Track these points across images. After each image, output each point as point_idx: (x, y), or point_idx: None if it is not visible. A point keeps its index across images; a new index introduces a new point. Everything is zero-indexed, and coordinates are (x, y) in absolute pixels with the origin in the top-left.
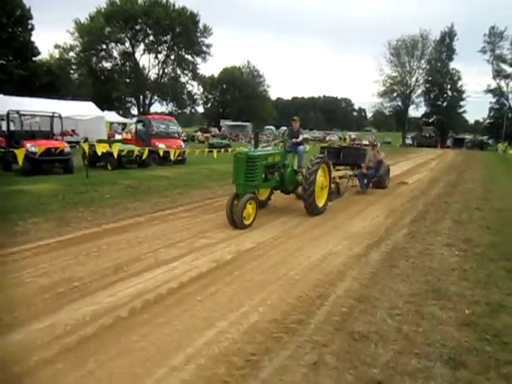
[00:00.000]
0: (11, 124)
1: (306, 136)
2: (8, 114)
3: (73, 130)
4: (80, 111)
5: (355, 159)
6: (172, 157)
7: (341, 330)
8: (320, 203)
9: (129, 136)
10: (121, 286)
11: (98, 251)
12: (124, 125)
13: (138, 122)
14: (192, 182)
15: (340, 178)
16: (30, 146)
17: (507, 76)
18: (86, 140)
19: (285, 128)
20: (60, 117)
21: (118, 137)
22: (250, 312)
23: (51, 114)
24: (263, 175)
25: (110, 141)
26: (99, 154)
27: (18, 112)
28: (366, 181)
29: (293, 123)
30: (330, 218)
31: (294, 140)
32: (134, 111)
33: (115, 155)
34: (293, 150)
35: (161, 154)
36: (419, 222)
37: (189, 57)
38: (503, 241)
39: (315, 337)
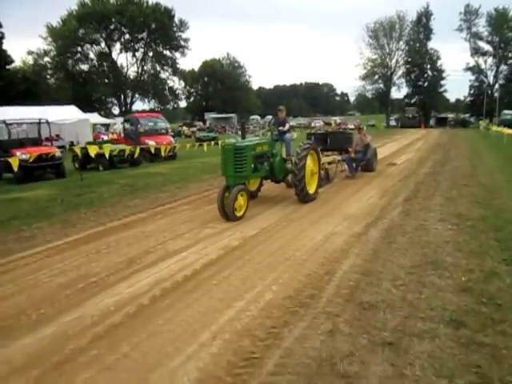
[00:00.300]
0: None
1: (292, 123)
2: None
3: (57, 135)
4: (63, 115)
5: (342, 144)
6: (163, 153)
7: (350, 301)
8: (311, 190)
9: (115, 136)
10: (137, 277)
11: (107, 248)
12: (107, 126)
13: (126, 121)
14: (187, 176)
15: (329, 163)
16: (21, 154)
17: (485, 53)
18: (71, 144)
19: (270, 117)
20: (47, 122)
21: (104, 138)
22: (265, 291)
23: (38, 121)
24: (252, 165)
25: (100, 142)
26: (92, 155)
27: (4, 121)
28: (354, 165)
29: (279, 113)
30: (326, 202)
31: (280, 128)
32: (116, 111)
33: (107, 156)
34: (280, 139)
35: (152, 151)
36: (412, 200)
37: (167, 52)
38: (492, 214)
39: (328, 308)
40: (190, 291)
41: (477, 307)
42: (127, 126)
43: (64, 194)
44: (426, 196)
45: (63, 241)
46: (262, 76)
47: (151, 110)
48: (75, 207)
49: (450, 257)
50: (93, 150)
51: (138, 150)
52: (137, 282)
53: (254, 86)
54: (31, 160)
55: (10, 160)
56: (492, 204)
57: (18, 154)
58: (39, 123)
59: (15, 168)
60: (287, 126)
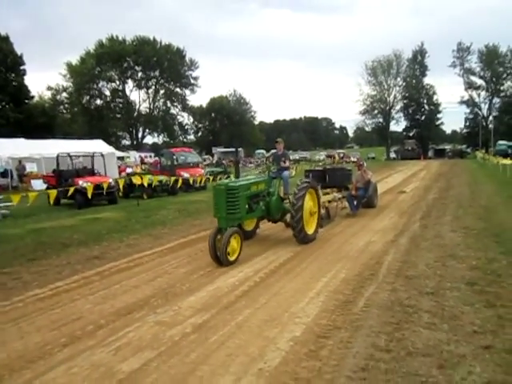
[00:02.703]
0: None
1: (295, 157)
2: (58, 156)
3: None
4: (93, 149)
5: (341, 181)
6: (198, 183)
7: (399, 275)
8: (310, 230)
9: (138, 169)
10: (241, 267)
11: (201, 252)
12: (122, 158)
13: (161, 155)
14: None
15: (329, 202)
16: (82, 183)
17: (478, 87)
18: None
19: (271, 152)
20: (102, 155)
21: (128, 170)
22: (338, 273)
23: (92, 154)
24: (246, 206)
25: (142, 173)
26: (138, 184)
27: (68, 154)
28: (355, 202)
29: (276, 145)
30: (354, 222)
31: (281, 164)
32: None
33: (152, 185)
34: (278, 176)
35: (190, 181)
36: (426, 218)
37: (178, 90)
38: (491, 225)
39: (385, 279)
40: (283, 274)
41: (484, 276)
42: (163, 159)
43: (132, 216)
44: (438, 215)
45: (162, 247)
46: (262, 111)
47: (183, 145)
48: (151, 225)
49: (463, 252)
50: (137, 181)
51: (179, 181)
52: (242, 270)
53: (255, 120)
54: (93, 188)
55: (86, 187)
56: (491, 219)
57: (80, 182)
58: (93, 156)
59: (89, 195)
60: (287, 163)
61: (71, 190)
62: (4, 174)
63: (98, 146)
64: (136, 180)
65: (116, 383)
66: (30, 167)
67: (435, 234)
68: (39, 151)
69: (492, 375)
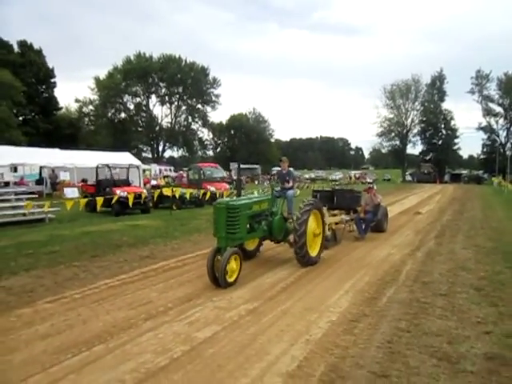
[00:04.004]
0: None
1: (311, 175)
2: (97, 167)
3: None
4: (121, 160)
5: (350, 203)
6: (224, 197)
7: (416, 281)
8: (313, 252)
9: (162, 182)
10: (276, 270)
11: None
12: (143, 170)
13: (190, 169)
14: None
15: (336, 223)
16: (120, 192)
17: (496, 114)
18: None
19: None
20: (138, 168)
21: (153, 182)
22: (362, 277)
23: (128, 166)
24: (247, 226)
25: (171, 185)
26: (168, 196)
27: (107, 165)
28: (363, 226)
29: (281, 164)
30: (374, 237)
31: (285, 185)
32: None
33: (182, 197)
34: (282, 195)
35: (217, 195)
36: (441, 237)
37: (199, 106)
38: (500, 245)
39: (404, 283)
40: (314, 277)
41: (489, 284)
42: (191, 173)
43: (169, 224)
44: (451, 234)
45: (203, 251)
46: (279, 128)
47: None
48: (188, 233)
49: (473, 265)
50: (168, 192)
51: (207, 194)
52: (276, 274)
53: (272, 138)
54: (132, 197)
55: (127, 196)
56: (501, 239)
57: (118, 192)
58: (128, 168)
59: (130, 203)
60: (291, 183)
61: (115, 198)
62: (39, 181)
63: (125, 158)
64: (166, 192)
65: (197, 344)
66: (64, 176)
67: (448, 250)
68: (72, 161)
69: (489, 350)
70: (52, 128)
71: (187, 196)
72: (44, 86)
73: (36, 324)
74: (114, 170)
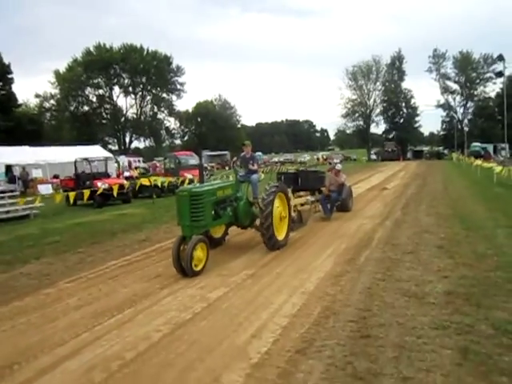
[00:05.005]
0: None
1: (280, 159)
2: (76, 161)
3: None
4: (92, 154)
5: (314, 184)
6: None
7: (387, 244)
8: (280, 236)
9: (135, 173)
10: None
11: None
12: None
13: (165, 158)
14: None
15: (302, 205)
16: (102, 184)
17: (453, 92)
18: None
19: (260, 153)
20: (116, 160)
21: (126, 173)
22: (340, 245)
23: (106, 158)
24: (212, 212)
25: (149, 175)
26: (161, 185)
27: (86, 159)
28: (329, 206)
29: (244, 148)
30: (344, 213)
31: (250, 167)
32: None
33: (161, 186)
34: (246, 180)
35: (195, 182)
36: (406, 208)
37: (164, 95)
38: (458, 212)
39: (377, 246)
40: (296, 250)
41: (448, 242)
42: (167, 161)
43: (154, 211)
44: (416, 205)
45: None
46: (244, 114)
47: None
48: (175, 218)
49: (435, 229)
50: (146, 182)
51: (186, 181)
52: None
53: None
54: (115, 189)
55: (113, 187)
56: (459, 207)
57: (99, 184)
58: (106, 160)
59: (115, 193)
60: (255, 166)
61: (99, 190)
62: (12, 180)
63: (96, 151)
64: (145, 182)
65: (213, 302)
66: (36, 173)
67: (413, 218)
68: (43, 158)
69: (448, 288)
70: (13, 125)
71: (165, 184)
72: (1, 83)
73: (65, 299)
74: (93, 162)
